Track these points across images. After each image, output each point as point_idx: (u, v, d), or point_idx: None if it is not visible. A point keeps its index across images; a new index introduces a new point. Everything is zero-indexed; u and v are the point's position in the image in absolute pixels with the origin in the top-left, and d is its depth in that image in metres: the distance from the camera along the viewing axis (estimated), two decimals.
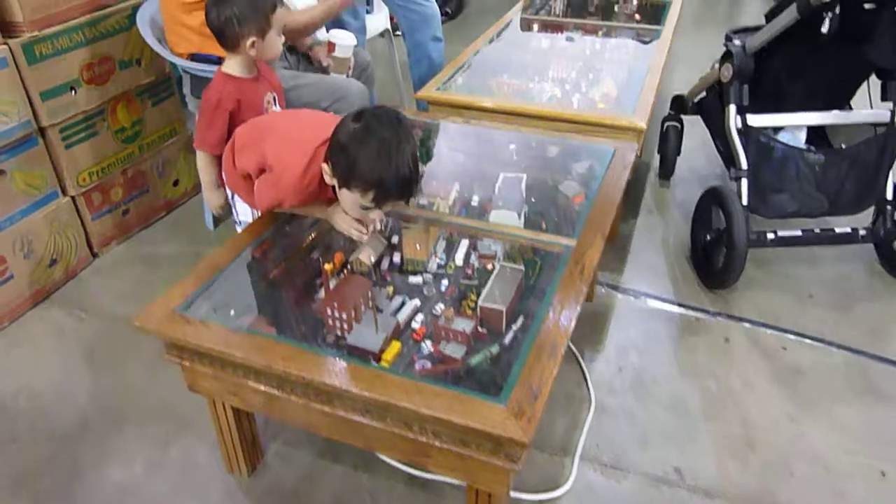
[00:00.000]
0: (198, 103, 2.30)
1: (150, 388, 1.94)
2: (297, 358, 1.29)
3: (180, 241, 2.58)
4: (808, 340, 2.09)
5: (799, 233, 2.23)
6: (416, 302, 1.61)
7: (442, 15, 4.84)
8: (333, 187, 1.55)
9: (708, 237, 2.30)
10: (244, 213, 1.83)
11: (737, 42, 2.28)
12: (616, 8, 3.60)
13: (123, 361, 2.04)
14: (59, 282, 2.34)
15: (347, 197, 1.48)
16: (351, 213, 1.58)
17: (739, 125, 2.22)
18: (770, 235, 2.21)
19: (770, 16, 2.08)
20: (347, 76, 2.41)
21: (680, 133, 2.89)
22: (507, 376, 1.25)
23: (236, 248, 1.62)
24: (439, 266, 1.76)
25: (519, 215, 1.79)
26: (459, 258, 1.76)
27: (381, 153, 1.42)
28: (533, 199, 1.93)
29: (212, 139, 1.90)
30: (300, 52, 2.48)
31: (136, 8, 2.35)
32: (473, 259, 1.75)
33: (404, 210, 1.78)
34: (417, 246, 1.74)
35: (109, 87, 2.35)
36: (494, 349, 1.41)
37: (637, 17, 3.40)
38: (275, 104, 2.05)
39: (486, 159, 2.18)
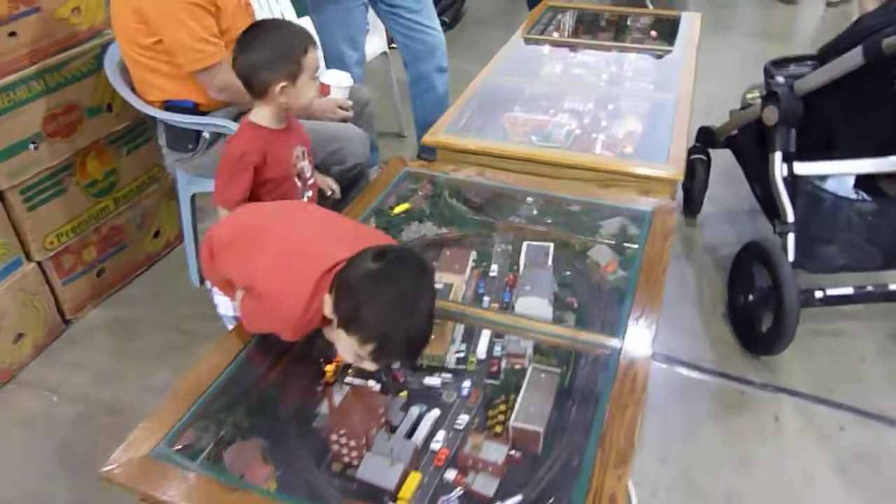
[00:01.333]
0: (175, 157, 2.05)
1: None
2: None
3: (163, 301, 2.33)
4: (867, 419, 1.87)
5: (850, 291, 2.01)
6: (436, 412, 1.38)
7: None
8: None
9: (750, 297, 2.07)
10: (224, 307, 1.57)
11: (780, 79, 2.04)
12: (629, 22, 3.34)
13: (104, 458, 1.79)
14: (27, 359, 2.09)
15: (344, 339, 1.24)
16: (343, 356, 1.33)
17: (785, 174, 1.99)
18: (818, 294, 1.98)
19: (825, 53, 1.84)
20: (345, 120, 2.16)
21: (707, 167, 2.66)
22: None
23: (219, 363, 1.37)
24: (459, 360, 1.52)
25: (549, 302, 1.55)
26: (482, 350, 1.52)
27: (394, 306, 1.20)
28: (564, 273, 1.70)
29: (234, 195, 1.70)
30: None
31: (105, 47, 2.09)
32: (498, 350, 1.52)
33: None
34: (433, 337, 1.50)
35: (77, 138, 2.09)
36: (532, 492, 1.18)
37: (653, 33, 3.15)
38: (303, 158, 1.83)
39: (505, 219, 1.94)
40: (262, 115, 1.73)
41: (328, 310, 1.27)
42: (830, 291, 1.99)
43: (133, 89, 2.02)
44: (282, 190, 1.81)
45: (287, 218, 1.45)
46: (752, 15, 4.91)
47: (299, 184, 1.85)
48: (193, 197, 2.21)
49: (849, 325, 2.19)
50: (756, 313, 2.06)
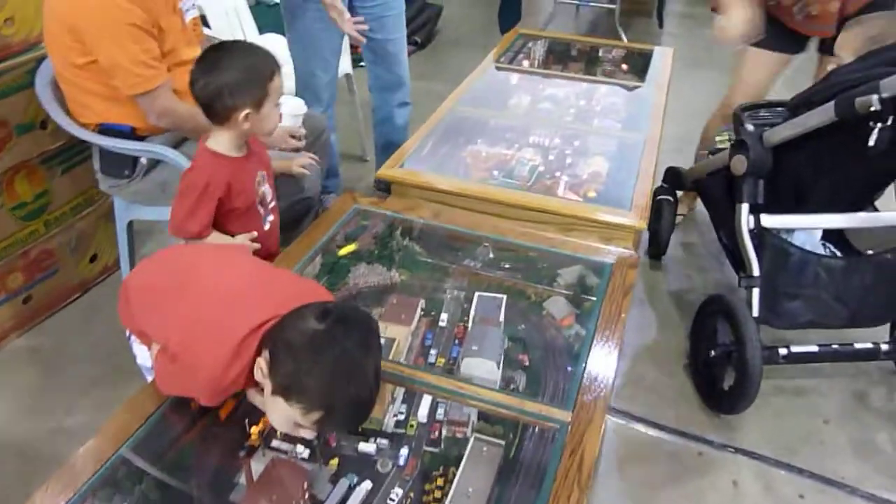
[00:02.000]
0: (110, 183, 1.92)
1: None
2: None
3: (94, 331, 2.18)
4: (827, 487, 1.79)
5: (815, 349, 1.94)
6: (367, 485, 1.26)
7: (411, 44, 4.50)
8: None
9: (712, 353, 1.98)
10: (142, 357, 1.43)
11: (749, 128, 1.97)
12: (601, 53, 3.27)
13: None
14: None
15: (280, 408, 1.11)
16: (277, 425, 1.21)
17: (752, 226, 1.91)
18: (783, 352, 1.91)
19: (797, 105, 1.77)
20: (297, 149, 2.04)
21: (674, 208, 2.59)
22: None
23: (129, 423, 1.24)
24: (398, 423, 1.41)
25: (497, 364, 1.44)
26: (423, 413, 1.41)
27: (338, 373, 1.09)
28: (517, 326, 1.60)
29: (195, 227, 1.59)
30: None
31: (40, 61, 1.94)
32: (440, 414, 1.41)
33: None
34: None
35: (4, 157, 1.94)
36: None
37: (624, 67, 3.08)
38: (264, 182, 1.71)
39: (459, 263, 1.83)
40: (221, 141, 1.59)
41: (260, 374, 1.14)
42: (795, 349, 1.91)
43: (67, 109, 1.88)
44: (244, 220, 1.69)
45: (211, 268, 1.31)
46: (728, 51, 4.89)
47: (261, 210, 1.73)
48: (131, 223, 2.07)
49: (813, 383, 2.11)
50: (718, 370, 1.97)
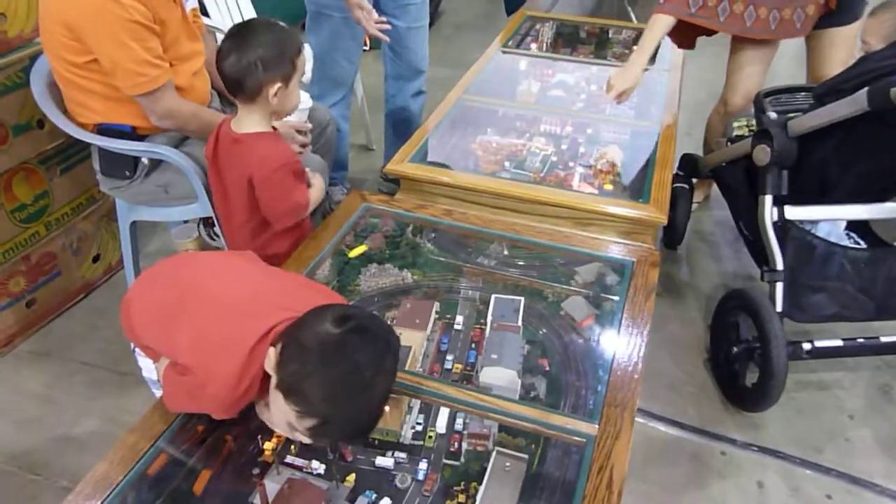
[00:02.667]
0: (111, 184, 1.85)
1: None
2: None
3: (100, 335, 2.13)
4: (855, 487, 1.74)
5: (840, 343, 1.88)
6: (387, 502, 1.22)
7: None
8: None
9: (734, 349, 1.92)
10: (148, 370, 1.38)
11: (772, 115, 1.89)
12: (611, 35, 3.18)
13: None
14: None
15: (280, 405, 1.06)
16: (274, 423, 1.15)
17: (776, 218, 1.85)
18: (807, 347, 1.85)
19: (825, 93, 1.69)
20: (303, 145, 1.97)
21: (690, 196, 2.52)
22: None
23: (138, 443, 1.19)
24: (416, 435, 1.36)
25: (518, 373, 1.38)
26: (441, 424, 1.37)
27: (344, 385, 1.03)
28: (535, 329, 1.54)
29: (303, 199, 1.66)
30: None
31: (35, 58, 1.87)
32: (459, 424, 1.36)
33: None
34: (386, 409, 1.33)
35: (1, 159, 1.88)
36: None
37: (635, 48, 2.99)
38: None
39: (473, 261, 1.78)
40: (253, 122, 1.58)
41: (269, 365, 1.09)
42: (819, 343, 1.85)
43: (64, 108, 1.81)
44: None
45: (213, 278, 1.25)
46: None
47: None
48: (134, 223, 2.01)
49: (836, 377, 2.06)
50: (740, 366, 1.92)
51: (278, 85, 1.52)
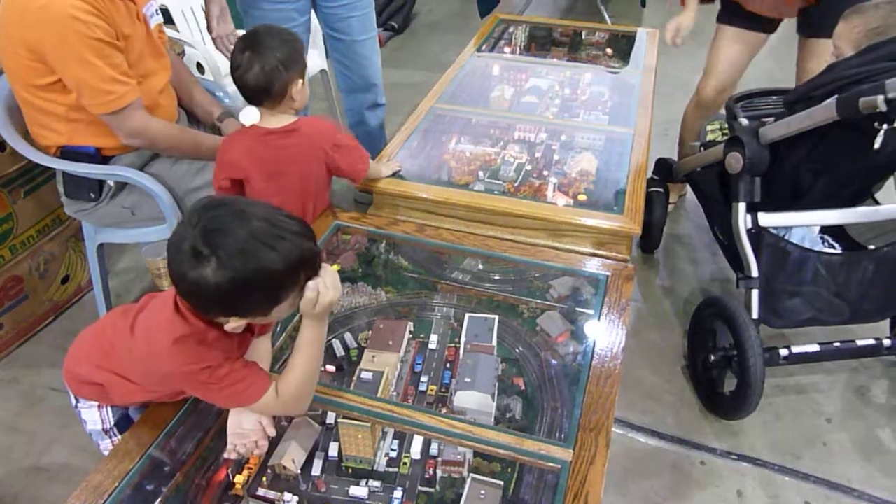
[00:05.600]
0: (75, 207, 1.81)
1: None
2: None
3: None
4: (833, 492, 1.75)
5: (817, 348, 1.88)
6: None
7: (388, 30, 4.37)
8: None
9: (711, 357, 1.92)
10: (92, 422, 1.34)
11: (744, 121, 1.89)
12: (584, 36, 3.17)
13: None
14: None
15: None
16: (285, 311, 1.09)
17: (749, 225, 1.84)
18: (783, 353, 1.85)
19: (795, 101, 1.68)
20: None
21: (666, 200, 2.51)
22: None
23: (102, 484, 1.15)
24: (390, 461, 1.34)
25: (492, 396, 1.37)
26: (416, 450, 1.35)
27: (260, 238, 0.98)
28: (510, 347, 1.53)
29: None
30: (206, 124, 2.00)
31: None
32: (434, 450, 1.34)
33: (337, 397, 1.33)
34: (359, 437, 1.32)
35: None
36: None
37: (609, 51, 2.98)
38: None
39: (447, 276, 1.76)
40: (286, 118, 1.66)
41: (235, 322, 1.05)
42: (796, 349, 1.86)
43: (27, 131, 1.77)
44: None
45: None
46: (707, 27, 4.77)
47: None
48: (101, 246, 1.97)
49: (813, 380, 2.06)
50: (717, 373, 1.92)
51: (299, 81, 1.62)
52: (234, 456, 1.21)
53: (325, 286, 1.07)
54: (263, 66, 1.55)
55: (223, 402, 1.17)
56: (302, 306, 1.08)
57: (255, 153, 1.64)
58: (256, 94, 1.60)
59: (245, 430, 1.20)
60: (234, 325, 1.05)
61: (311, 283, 1.06)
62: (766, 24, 2.27)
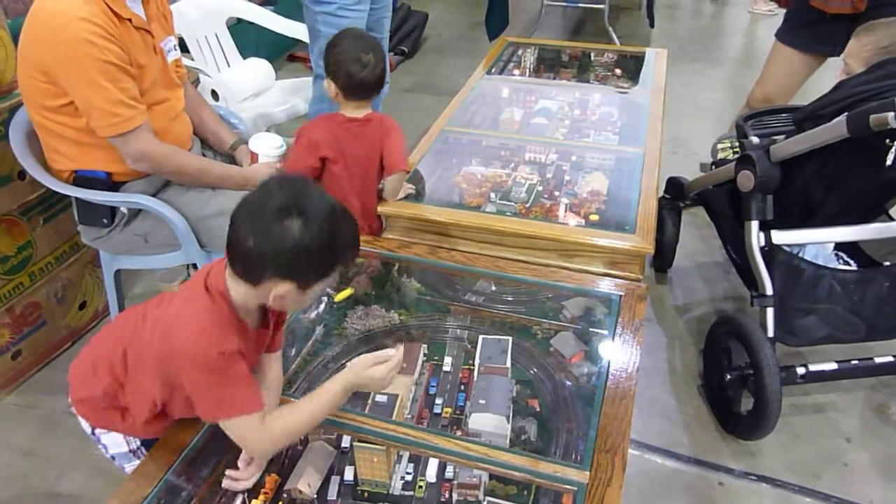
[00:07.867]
0: (91, 234, 1.84)
1: None
2: None
3: None
4: None
5: (835, 366, 1.86)
6: None
7: (398, 55, 4.42)
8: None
9: (726, 376, 1.91)
10: (114, 445, 1.34)
11: (754, 140, 1.89)
12: (593, 57, 3.20)
13: None
14: None
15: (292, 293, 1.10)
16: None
17: (763, 243, 1.84)
18: (800, 371, 1.84)
19: (804, 118, 1.69)
20: None
21: (678, 219, 2.51)
22: None
23: None
24: (406, 485, 1.34)
25: (507, 418, 1.37)
26: (431, 473, 1.34)
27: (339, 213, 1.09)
28: (524, 369, 1.53)
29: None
30: (220, 153, 2.02)
31: (13, 111, 1.86)
32: (450, 472, 1.34)
33: (352, 421, 1.34)
34: (374, 460, 1.32)
35: None
36: None
37: (617, 71, 3.00)
38: None
39: (460, 298, 1.76)
40: (361, 113, 1.83)
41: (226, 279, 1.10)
42: (813, 367, 1.84)
43: (45, 158, 1.80)
44: None
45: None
46: (714, 45, 4.79)
47: None
48: (118, 272, 1.99)
49: (830, 399, 2.04)
50: (734, 393, 1.90)
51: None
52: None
53: (388, 380, 1.22)
54: (378, 61, 1.76)
55: (211, 403, 1.13)
56: (368, 374, 1.20)
57: (336, 136, 1.81)
58: (379, 86, 1.81)
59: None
60: (280, 289, 1.07)
61: (390, 365, 1.21)
62: (830, 46, 2.29)
